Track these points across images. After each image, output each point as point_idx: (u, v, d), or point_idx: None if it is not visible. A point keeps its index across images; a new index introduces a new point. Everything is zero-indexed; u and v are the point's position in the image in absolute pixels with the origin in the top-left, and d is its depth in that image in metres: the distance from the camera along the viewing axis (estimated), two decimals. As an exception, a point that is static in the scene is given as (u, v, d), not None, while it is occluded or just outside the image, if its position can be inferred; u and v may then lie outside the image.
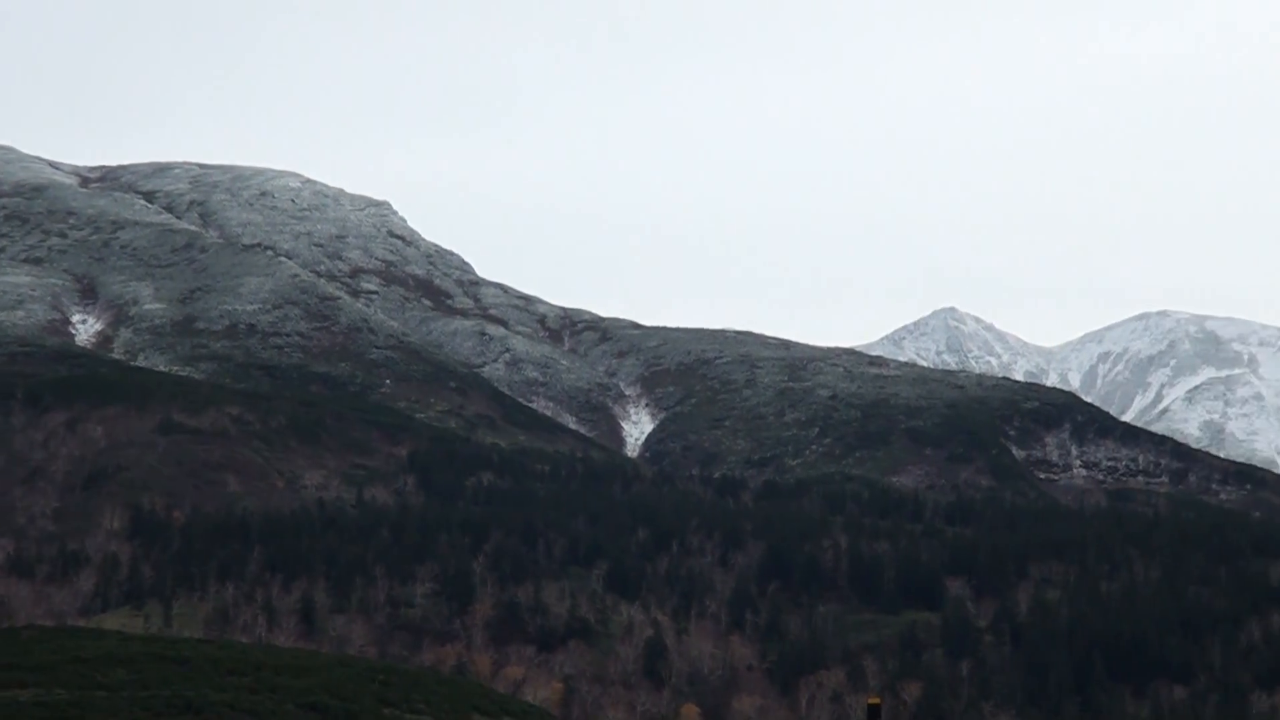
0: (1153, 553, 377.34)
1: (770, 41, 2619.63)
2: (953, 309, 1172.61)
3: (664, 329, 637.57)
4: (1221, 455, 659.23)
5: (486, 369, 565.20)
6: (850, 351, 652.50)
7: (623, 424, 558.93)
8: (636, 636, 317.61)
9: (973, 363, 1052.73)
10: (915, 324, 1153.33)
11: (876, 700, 42.75)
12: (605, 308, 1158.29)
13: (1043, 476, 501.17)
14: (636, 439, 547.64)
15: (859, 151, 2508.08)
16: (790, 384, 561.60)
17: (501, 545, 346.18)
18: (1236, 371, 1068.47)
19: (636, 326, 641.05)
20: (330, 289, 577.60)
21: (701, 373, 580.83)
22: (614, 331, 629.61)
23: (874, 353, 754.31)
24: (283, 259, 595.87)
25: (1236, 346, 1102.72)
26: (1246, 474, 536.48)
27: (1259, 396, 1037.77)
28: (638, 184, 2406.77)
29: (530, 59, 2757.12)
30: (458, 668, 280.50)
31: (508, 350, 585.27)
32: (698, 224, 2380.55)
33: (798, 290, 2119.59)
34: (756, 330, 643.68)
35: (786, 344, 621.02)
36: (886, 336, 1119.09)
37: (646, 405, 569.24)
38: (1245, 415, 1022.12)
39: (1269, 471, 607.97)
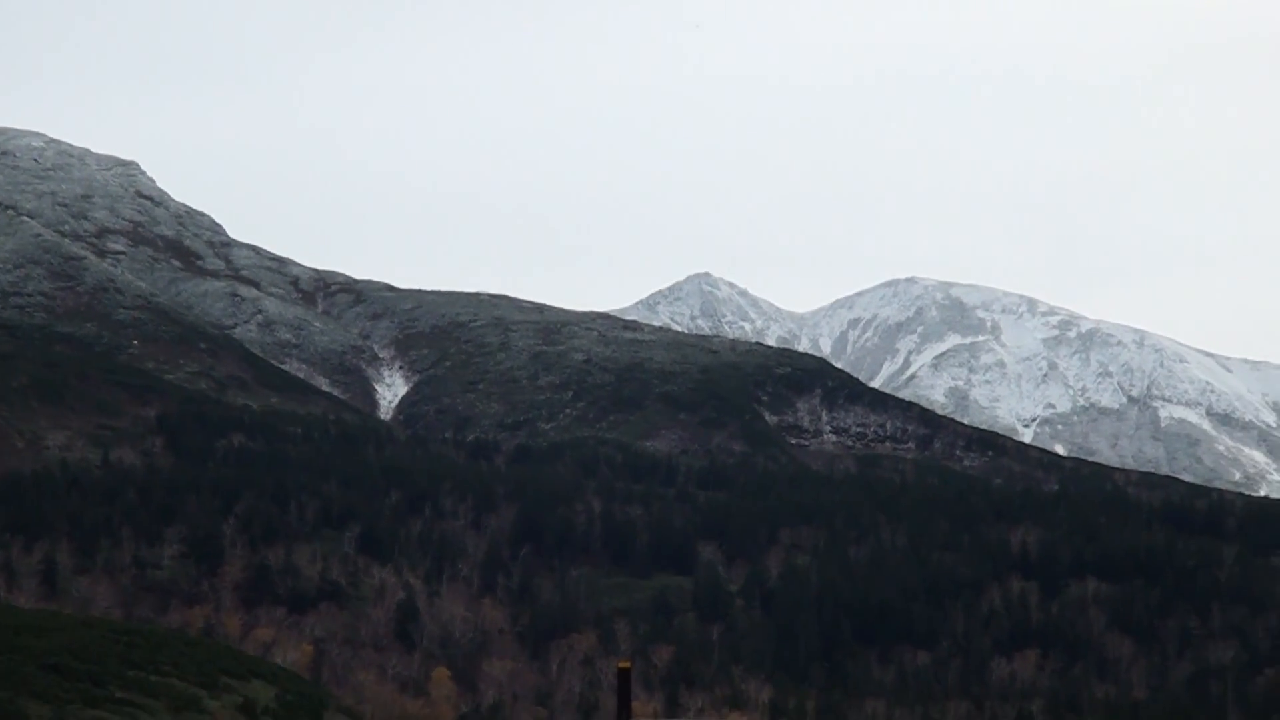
0: (899, 519, 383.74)
1: (519, 1, 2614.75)
2: (707, 274, 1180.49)
3: (419, 292, 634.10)
4: (966, 422, 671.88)
5: (238, 330, 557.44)
6: (605, 316, 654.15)
7: (376, 387, 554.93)
8: (388, 599, 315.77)
9: (726, 328, 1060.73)
10: (670, 289, 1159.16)
11: (627, 664, 42.40)
12: (359, 270, 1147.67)
13: (794, 442, 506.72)
14: (390, 402, 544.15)
15: (617, 117, 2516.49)
16: (544, 348, 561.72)
17: (252, 507, 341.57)
18: (981, 339, 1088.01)
19: (391, 289, 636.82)
20: (75, 249, 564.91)
21: (456, 336, 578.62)
22: (368, 294, 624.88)
23: (629, 317, 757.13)
24: (25, 218, 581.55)
25: (981, 314, 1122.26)
26: (989, 441, 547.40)
27: (1001, 364, 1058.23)
28: (393, 146, 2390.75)
29: (283, 16, 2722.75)
30: (206, 630, 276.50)
31: (260, 312, 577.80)
32: (453, 187, 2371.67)
33: (553, 254, 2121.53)
34: (511, 294, 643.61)
35: (541, 308, 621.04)
36: (641, 301, 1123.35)
37: (400, 368, 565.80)
38: (988, 382, 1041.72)
39: (1010, 439, 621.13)
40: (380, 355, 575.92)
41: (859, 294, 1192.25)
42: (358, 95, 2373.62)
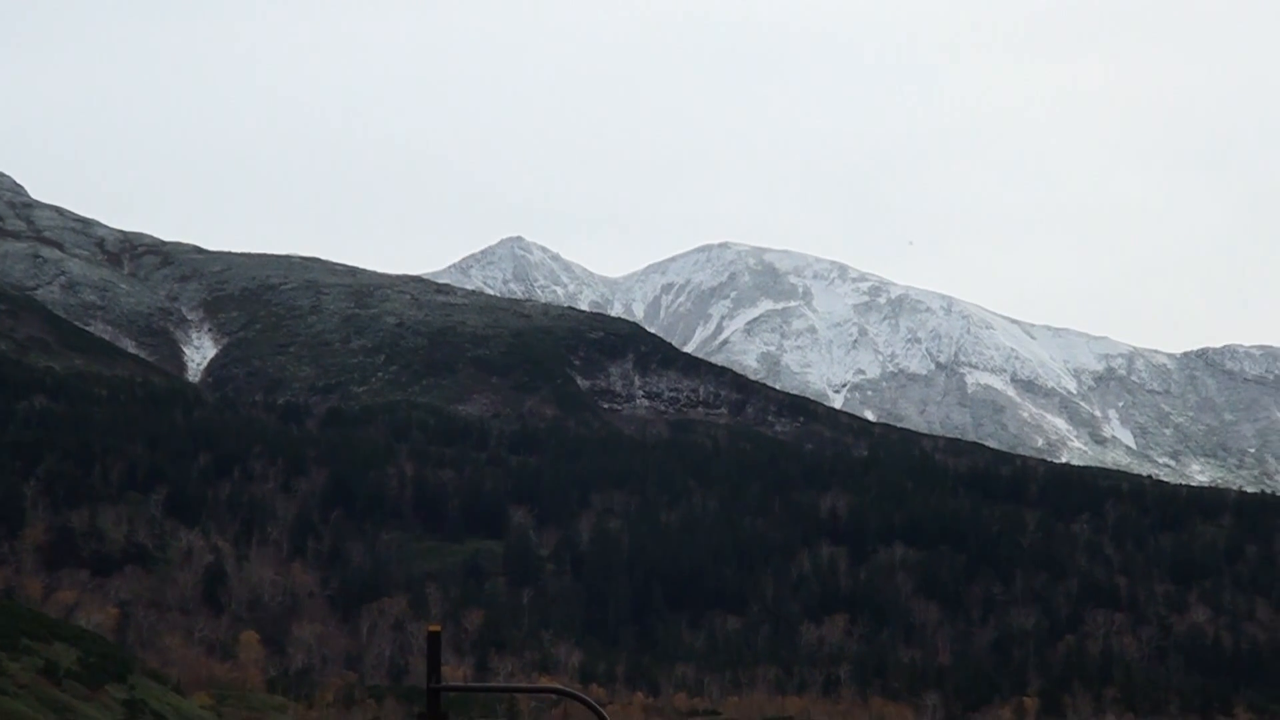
0: (711, 484, 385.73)
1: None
2: (520, 238, 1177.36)
3: (228, 254, 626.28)
4: (777, 387, 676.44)
5: (40, 292, 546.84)
6: (417, 279, 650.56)
7: (185, 349, 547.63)
8: (195, 562, 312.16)
9: (539, 292, 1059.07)
10: (483, 252, 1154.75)
11: (437, 628, 41.57)
12: (168, 232, 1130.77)
13: (607, 406, 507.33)
14: (199, 364, 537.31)
15: (432, 76, 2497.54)
16: (357, 311, 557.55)
17: (55, 469, 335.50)
18: (792, 304, 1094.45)
19: (200, 251, 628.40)
20: None
21: (266, 298, 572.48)
22: (176, 256, 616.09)
23: (441, 280, 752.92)
24: None
25: (793, 279, 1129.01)
26: (800, 406, 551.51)
27: (813, 329, 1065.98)
28: (202, 105, 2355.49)
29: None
30: (6, 592, 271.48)
31: (63, 273, 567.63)
32: (263, 148, 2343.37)
33: (365, 216, 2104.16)
34: (323, 256, 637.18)
35: (353, 270, 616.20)
36: (454, 265, 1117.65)
37: (209, 330, 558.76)
38: (800, 348, 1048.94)
39: (820, 404, 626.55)
40: (189, 318, 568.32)
41: (672, 259, 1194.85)
42: (164, 53, 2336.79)
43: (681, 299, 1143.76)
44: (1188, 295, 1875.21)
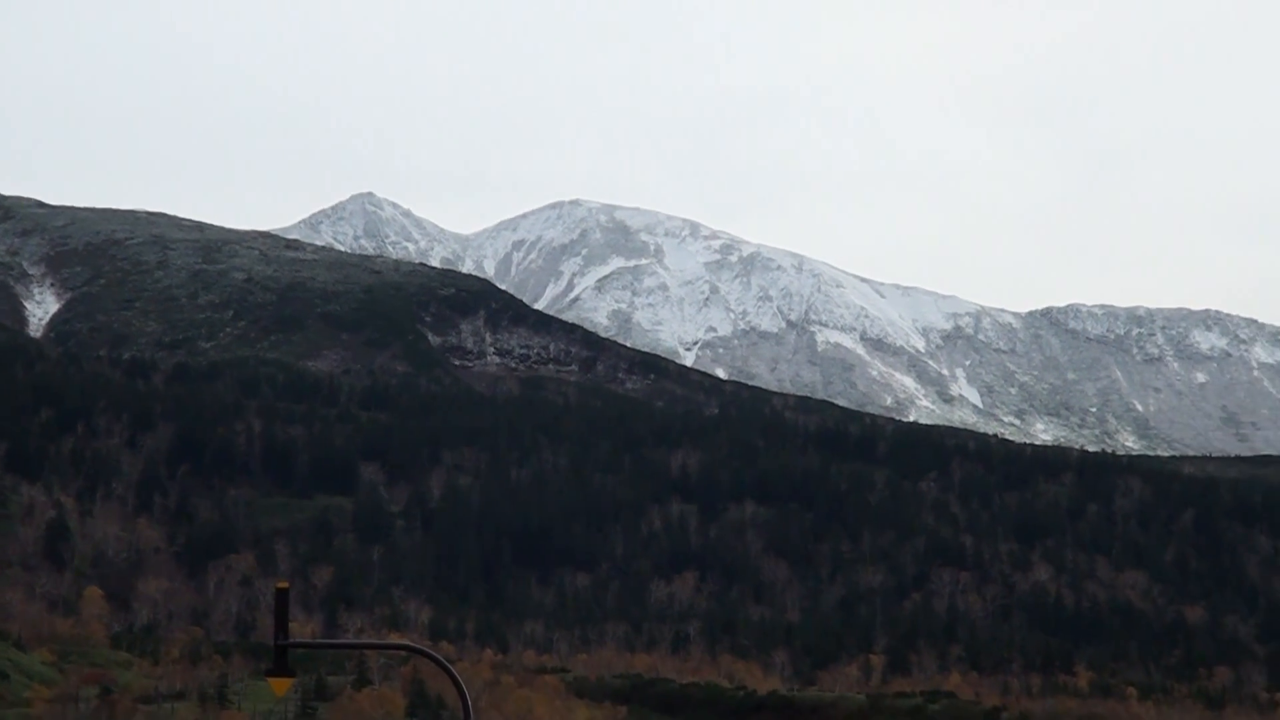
0: (561, 441, 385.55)
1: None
2: (371, 194, 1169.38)
3: (71, 208, 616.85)
4: (628, 345, 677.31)
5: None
6: (266, 235, 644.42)
7: (26, 304, 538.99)
8: (38, 518, 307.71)
9: (390, 248, 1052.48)
10: (333, 208, 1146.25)
11: (285, 585, 40.90)
12: (7, 187, 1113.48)
13: (458, 363, 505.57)
14: (41, 319, 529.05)
15: (278, 30, 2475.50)
16: (204, 266, 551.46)
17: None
18: (644, 261, 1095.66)
19: (41, 205, 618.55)
20: None
21: (111, 253, 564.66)
22: (17, 210, 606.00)
23: (290, 236, 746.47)
24: None
25: (644, 237, 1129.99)
26: (651, 363, 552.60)
27: (664, 287, 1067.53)
28: (39, 57, 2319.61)
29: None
30: None
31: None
32: (106, 100, 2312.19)
33: (213, 171, 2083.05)
34: (170, 211, 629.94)
35: (200, 226, 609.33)
36: (304, 220, 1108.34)
37: (52, 285, 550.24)
38: (651, 305, 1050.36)
39: (671, 362, 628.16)
40: (30, 272, 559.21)
41: (524, 216, 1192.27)
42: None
43: (533, 256, 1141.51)
44: (1032, 254, 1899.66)
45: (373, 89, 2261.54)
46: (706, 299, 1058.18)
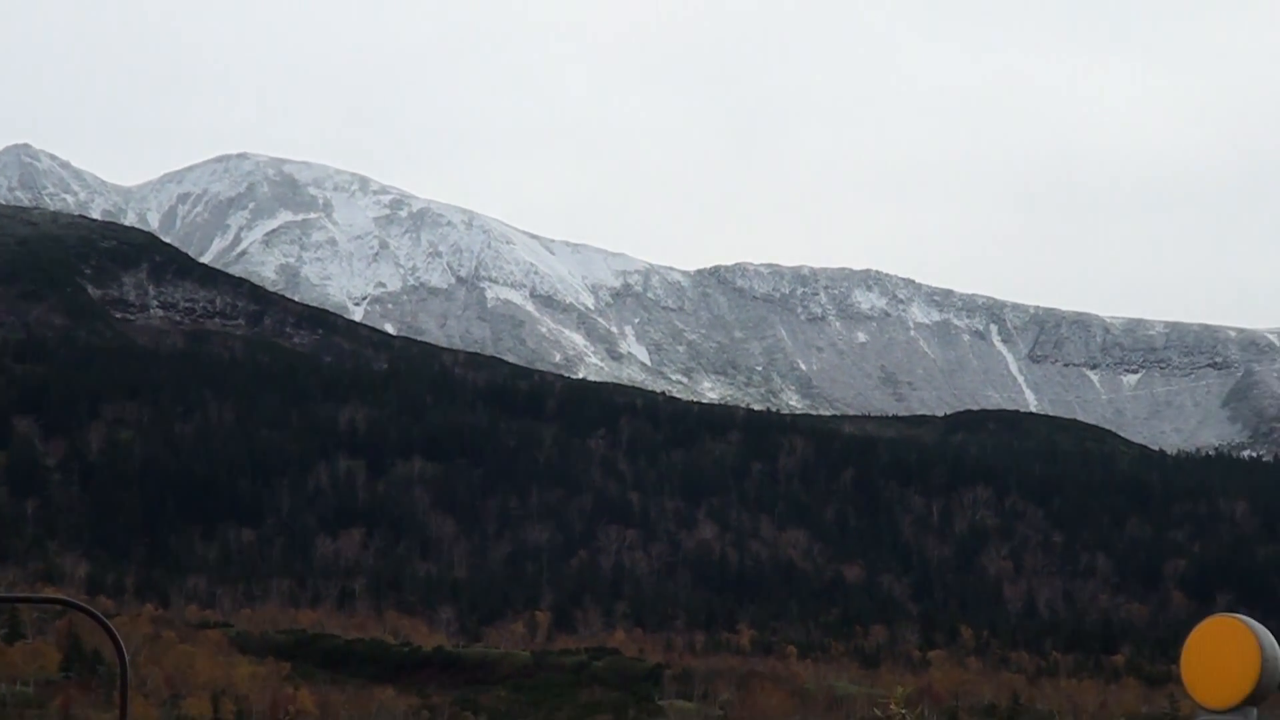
0: (227, 395, 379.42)
1: None
2: (26, 145, 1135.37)
3: None
4: (297, 299, 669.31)
5: None
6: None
7: None
8: None
9: (48, 200, 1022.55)
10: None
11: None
12: None
13: (120, 316, 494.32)
14: None
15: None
16: None
17: None
18: (312, 216, 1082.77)
19: None
20: None
21: None
22: None
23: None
24: None
25: (313, 191, 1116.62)
26: (319, 318, 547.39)
27: (333, 241, 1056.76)
28: None
29: None
30: None
31: None
32: None
33: None
34: None
35: None
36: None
37: None
38: (320, 260, 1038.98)
39: (340, 316, 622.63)
40: None
41: (189, 169, 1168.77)
42: None
43: (199, 209, 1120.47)
44: (701, 213, 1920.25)
45: (28, 34, 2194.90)
46: (376, 254, 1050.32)
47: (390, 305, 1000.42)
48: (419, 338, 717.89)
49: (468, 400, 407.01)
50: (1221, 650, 17.90)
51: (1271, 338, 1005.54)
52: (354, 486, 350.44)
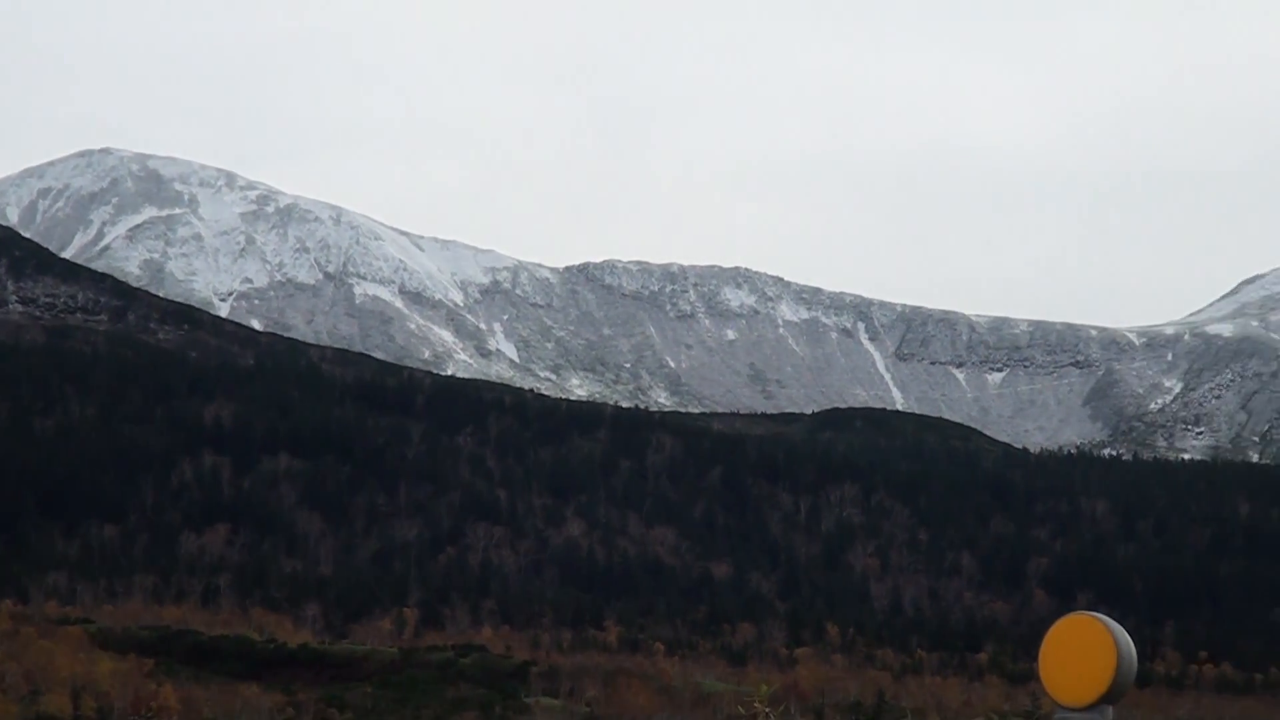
0: (90, 391, 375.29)
1: None
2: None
3: None
4: (161, 295, 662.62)
5: None
6: None
7: None
8: None
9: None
10: None
11: None
12: None
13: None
14: None
15: None
16: None
17: None
18: (178, 211, 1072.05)
19: None
20: None
21: None
22: None
23: None
24: None
25: (178, 186, 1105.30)
26: (185, 314, 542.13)
27: (199, 237, 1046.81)
28: None
29: None
30: None
31: None
32: None
33: None
34: None
35: None
36: None
37: None
38: (185, 255, 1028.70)
39: (206, 312, 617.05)
40: None
41: (50, 163, 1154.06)
42: None
43: (60, 204, 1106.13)
44: (570, 210, 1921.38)
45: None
46: (242, 250, 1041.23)
47: (257, 301, 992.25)
48: (286, 334, 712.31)
49: (335, 397, 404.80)
50: (1078, 649, 18.01)
51: (1131, 337, 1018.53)
52: (219, 483, 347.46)
